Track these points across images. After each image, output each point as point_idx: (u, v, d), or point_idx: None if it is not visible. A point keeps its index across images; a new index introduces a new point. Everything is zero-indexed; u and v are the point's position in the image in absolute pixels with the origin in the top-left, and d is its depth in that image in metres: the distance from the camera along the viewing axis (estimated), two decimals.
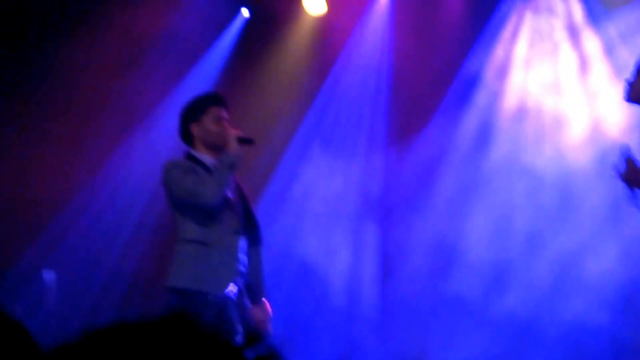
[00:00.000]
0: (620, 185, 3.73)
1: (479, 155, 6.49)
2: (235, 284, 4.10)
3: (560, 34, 6.46)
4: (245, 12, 7.31)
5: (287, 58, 7.13)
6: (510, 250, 6.24)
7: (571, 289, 6.00)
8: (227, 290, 4.03)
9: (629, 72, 6.13)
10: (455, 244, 6.36)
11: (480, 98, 6.61)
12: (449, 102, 6.65)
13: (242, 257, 4.14)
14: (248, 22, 7.29)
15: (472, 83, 6.59)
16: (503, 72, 6.57)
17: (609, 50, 6.37)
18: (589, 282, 5.91)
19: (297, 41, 7.13)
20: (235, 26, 7.30)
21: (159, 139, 6.71)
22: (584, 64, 6.43)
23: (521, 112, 6.46)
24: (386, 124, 6.85)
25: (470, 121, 6.59)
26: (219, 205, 4.01)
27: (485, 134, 6.52)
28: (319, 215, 6.76)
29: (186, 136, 4.21)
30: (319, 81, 7.04)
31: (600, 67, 6.39)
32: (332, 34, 6.98)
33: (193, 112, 4.18)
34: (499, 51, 6.59)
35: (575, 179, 6.17)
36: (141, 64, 6.85)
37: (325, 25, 6.98)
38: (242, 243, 4.15)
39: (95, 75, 6.72)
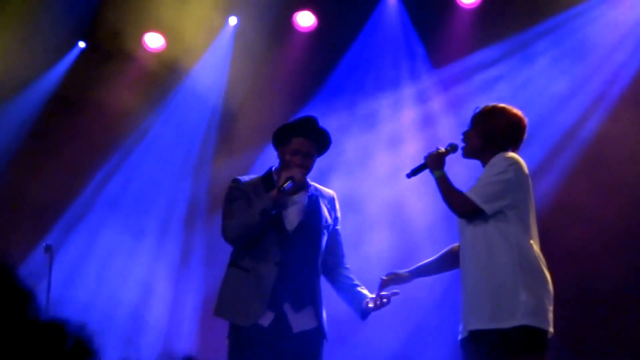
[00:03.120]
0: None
1: None
2: (275, 312, 3.84)
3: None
4: (81, 44, 7.31)
5: (122, 91, 7.08)
6: None
7: None
8: (256, 320, 3.81)
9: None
10: None
11: None
12: None
13: (289, 285, 3.87)
14: (84, 54, 7.25)
15: None
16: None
17: (425, 99, 6.63)
18: None
19: (136, 75, 7.14)
20: (70, 57, 7.25)
21: None
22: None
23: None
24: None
25: None
26: (238, 243, 3.89)
27: None
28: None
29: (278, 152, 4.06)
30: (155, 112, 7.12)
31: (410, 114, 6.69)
32: (172, 69, 7.08)
33: (280, 137, 4.01)
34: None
35: None
36: None
37: (166, 59, 7.09)
38: (293, 273, 3.89)
39: None
